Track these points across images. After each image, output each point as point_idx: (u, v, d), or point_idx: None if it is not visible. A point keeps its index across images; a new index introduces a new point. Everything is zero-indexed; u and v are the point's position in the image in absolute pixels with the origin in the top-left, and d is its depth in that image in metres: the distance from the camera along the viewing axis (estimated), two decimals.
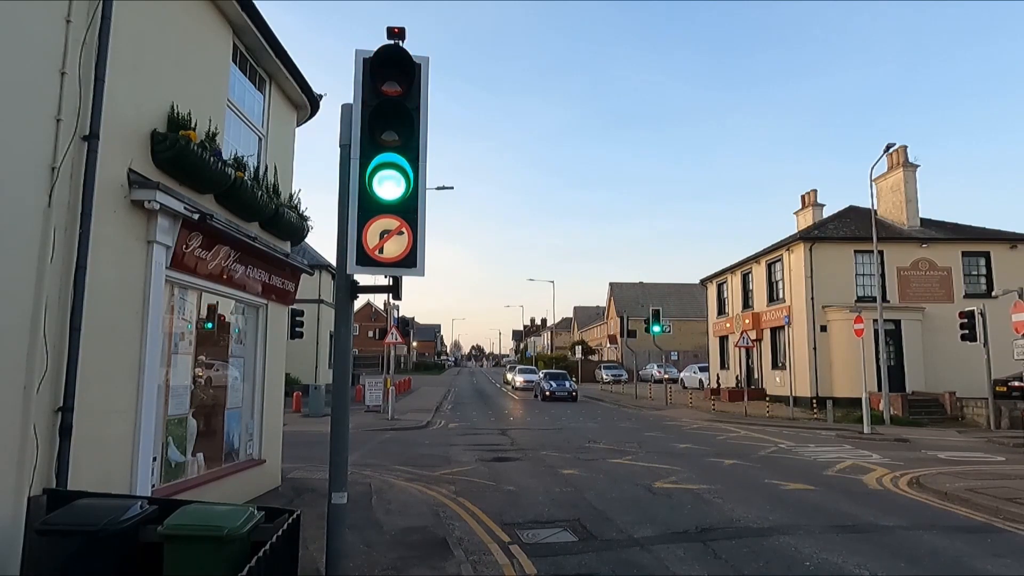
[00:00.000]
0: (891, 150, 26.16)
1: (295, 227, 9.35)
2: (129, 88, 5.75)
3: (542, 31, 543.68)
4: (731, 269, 33.81)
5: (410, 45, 4.17)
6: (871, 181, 23.20)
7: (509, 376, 51.55)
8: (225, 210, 7.57)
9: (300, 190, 9.81)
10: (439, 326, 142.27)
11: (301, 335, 19.68)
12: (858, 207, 29.93)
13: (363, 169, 4.18)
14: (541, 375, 37.29)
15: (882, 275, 24.49)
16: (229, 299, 8.36)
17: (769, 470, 12.21)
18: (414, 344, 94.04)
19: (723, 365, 35.56)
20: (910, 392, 23.79)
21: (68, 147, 4.95)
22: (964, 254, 26.55)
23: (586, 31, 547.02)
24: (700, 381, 38.63)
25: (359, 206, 4.13)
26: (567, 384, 33.48)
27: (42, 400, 4.72)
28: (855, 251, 26.27)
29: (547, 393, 32.50)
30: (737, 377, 32.36)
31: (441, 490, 9.94)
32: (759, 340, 29.70)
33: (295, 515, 4.49)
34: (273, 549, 3.93)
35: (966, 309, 20.36)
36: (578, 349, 61.74)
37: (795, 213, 33.89)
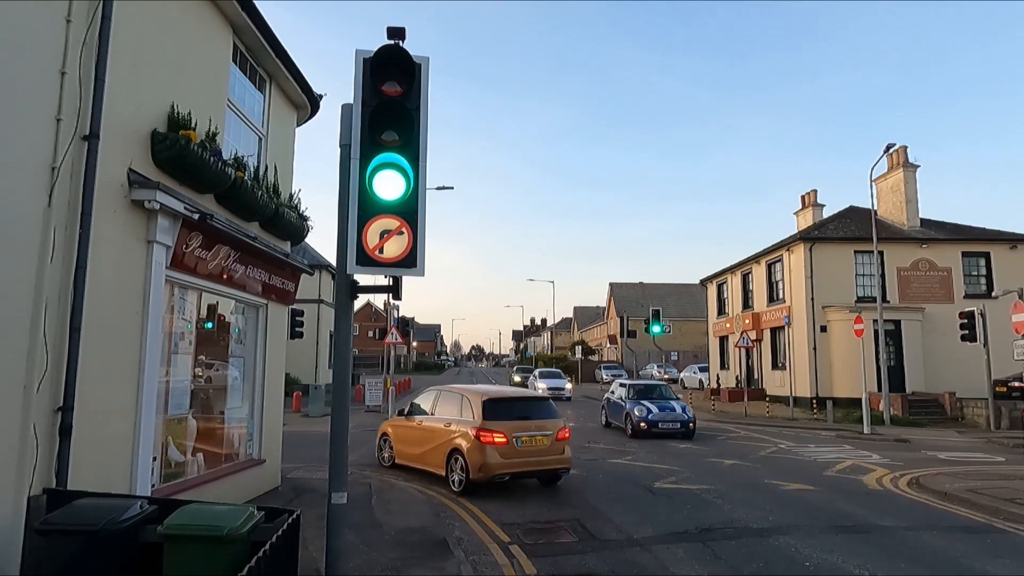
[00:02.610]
0: (891, 150, 26.18)
1: (295, 227, 9.35)
2: (129, 88, 5.74)
3: (542, 31, 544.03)
4: (731, 269, 33.81)
5: (410, 45, 4.17)
6: (871, 181, 23.23)
7: (516, 378, 43.92)
8: (225, 210, 7.57)
9: (300, 190, 9.82)
10: (439, 326, 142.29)
11: (301, 335, 19.66)
12: (858, 207, 29.93)
13: (363, 169, 4.17)
14: (623, 390, 19.18)
15: (882, 275, 24.49)
16: (229, 299, 8.35)
17: (769, 470, 12.21)
18: (414, 344, 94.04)
19: (723, 365, 35.55)
20: (910, 392, 23.79)
21: (68, 147, 4.95)
22: (964, 254, 26.55)
23: (586, 31, 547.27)
24: (700, 381, 38.63)
25: (359, 206, 4.13)
26: (676, 408, 17.70)
27: (42, 400, 4.71)
28: (855, 251, 26.27)
29: (642, 426, 17.18)
30: (737, 377, 32.35)
31: (441, 490, 9.93)
32: (759, 340, 29.69)
33: (295, 515, 4.49)
34: (273, 549, 3.92)
35: (966, 309, 20.35)
36: (578, 349, 61.70)
37: (795, 213, 33.89)
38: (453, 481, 9.98)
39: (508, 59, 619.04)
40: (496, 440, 9.52)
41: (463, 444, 9.80)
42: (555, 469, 10.19)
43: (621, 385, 19.90)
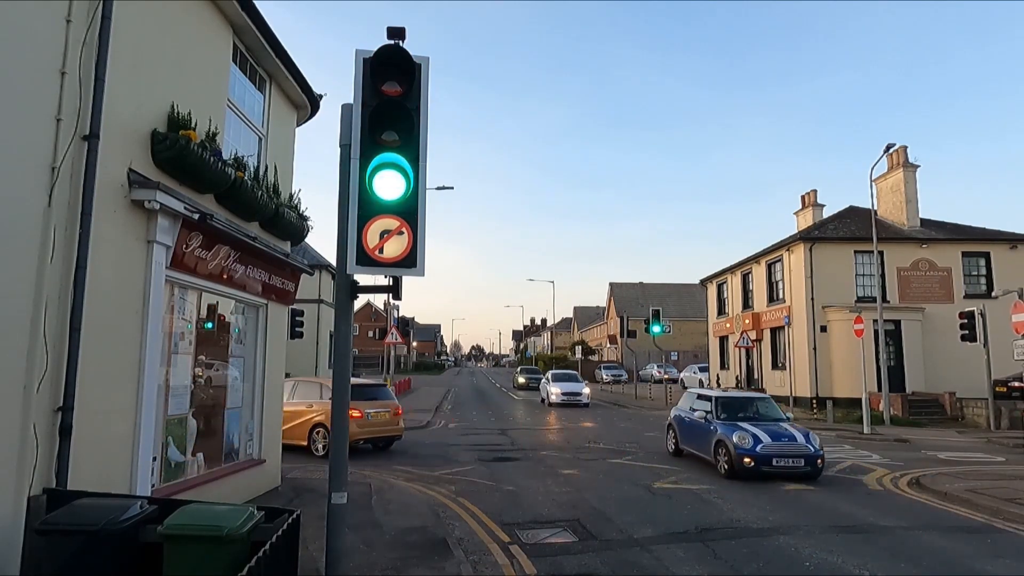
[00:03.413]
0: (891, 150, 26.18)
1: (295, 227, 9.35)
2: (129, 88, 5.74)
3: (542, 31, 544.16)
4: (731, 269, 33.81)
5: (410, 45, 4.16)
6: (871, 181, 23.23)
7: (521, 379, 42.98)
8: (225, 210, 7.57)
9: (300, 190, 9.82)
10: (439, 326, 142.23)
11: (301, 335, 19.67)
12: (858, 207, 29.93)
13: (363, 169, 4.17)
14: (705, 404, 13.04)
15: (882, 275, 24.49)
16: (229, 299, 8.35)
17: None
18: (414, 344, 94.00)
19: (723, 365, 35.56)
20: (910, 392, 23.80)
21: (68, 147, 4.95)
22: (964, 254, 26.56)
23: (586, 31, 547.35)
24: (700, 381, 38.57)
25: (359, 206, 4.13)
26: (797, 437, 11.43)
27: (42, 400, 4.71)
28: (855, 251, 26.28)
29: (747, 461, 11.06)
30: (737, 377, 32.36)
31: (441, 490, 9.94)
32: (759, 340, 29.69)
33: (295, 515, 4.49)
34: (273, 549, 3.92)
35: (966, 309, 20.36)
36: (578, 349, 61.71)
37: (795, 213, 33.90)
38: (316, 449, 13.09)
39: (508, 59, 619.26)
40: (354, 415, 12.32)
41: (325, 420, 12.82)
42: (392, 436, 14.30)
43: (700, 397, 13.60)
